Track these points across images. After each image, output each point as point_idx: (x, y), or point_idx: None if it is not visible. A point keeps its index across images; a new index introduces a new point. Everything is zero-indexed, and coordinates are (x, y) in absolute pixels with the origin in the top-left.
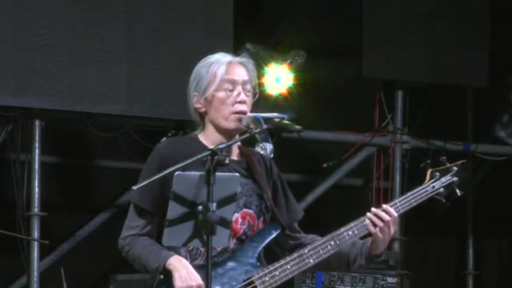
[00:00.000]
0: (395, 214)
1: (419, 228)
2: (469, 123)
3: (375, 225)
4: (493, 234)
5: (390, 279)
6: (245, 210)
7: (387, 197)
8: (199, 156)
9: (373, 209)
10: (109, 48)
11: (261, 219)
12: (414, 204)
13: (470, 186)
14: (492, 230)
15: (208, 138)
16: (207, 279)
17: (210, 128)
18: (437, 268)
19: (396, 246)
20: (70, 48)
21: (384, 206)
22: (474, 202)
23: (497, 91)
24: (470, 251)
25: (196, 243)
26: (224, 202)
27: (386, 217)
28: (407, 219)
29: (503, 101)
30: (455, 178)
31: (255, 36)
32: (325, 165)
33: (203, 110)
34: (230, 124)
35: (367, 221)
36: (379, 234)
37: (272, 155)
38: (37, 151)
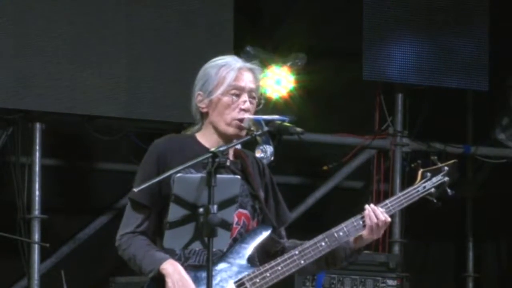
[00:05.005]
0: (389, 220)
1: (419, 230)
2: (469, 126)
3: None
4: (493, 236)
5: (390, 282)
6: (240, 210)
7: None
8: (200, 159)
9: (372, 205)
10: (109, 50)
11: (256, 219)
12: (405, 204)
13: (470, 188)
14: (492, 233)
15: (206, 138)
16: (208, 280)
17: (209, 128)
18: (437, 271)
19: (396, 248)
20: (70, 50)
21: (380, 209)
22: (473, 205)
23: (497, 94)
24: (470, 254)
25: (197, 245)
26: (225, 204)
27: (381, 216)
28: (407, 221)
29: (503, 104)
30: (446, 178)
31: (255, 39)
32: (325, 167)
33: (205, 110)
34: (230, 129)
35: (366, 212)
36: (368, 232)
37: (272, 158)
38: (37, 154)
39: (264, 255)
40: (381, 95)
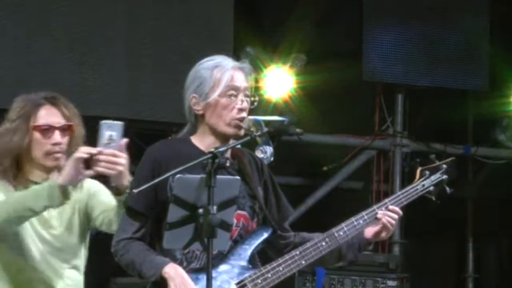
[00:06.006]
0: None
1: (419, 231)
2: (469, 126)
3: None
4: (493, 237)
5: (390, 282)
6: (238, 211)
7: None
8: (200, 159)
9: (390, 207)
10: (110, 51)
11: (255, 220)
12: (405, 203)
13: (470, 188)
14: (492, 233)
15: (202, 140)
16: (207, 282)
17: (205, 130)
18: (437, 271)
19: (396, 249)
20: (70, 51)
21: (391, 207)
22: (474, 205)
23: (497, 94)
24: (470, 254)
25: (196, 246)
26: (224, 205)
27: (395, 216)
28: (408, 222)
29: (503, 104)
30: (445, 176)
31: (255, 40)
32: (325, 168)
33: (201, 112)
34: (230, 130)
35: (383, 219)
36: (385, 233)
37: (272, 158)
38: None
39: (271, 252)
40: (381, 96)
